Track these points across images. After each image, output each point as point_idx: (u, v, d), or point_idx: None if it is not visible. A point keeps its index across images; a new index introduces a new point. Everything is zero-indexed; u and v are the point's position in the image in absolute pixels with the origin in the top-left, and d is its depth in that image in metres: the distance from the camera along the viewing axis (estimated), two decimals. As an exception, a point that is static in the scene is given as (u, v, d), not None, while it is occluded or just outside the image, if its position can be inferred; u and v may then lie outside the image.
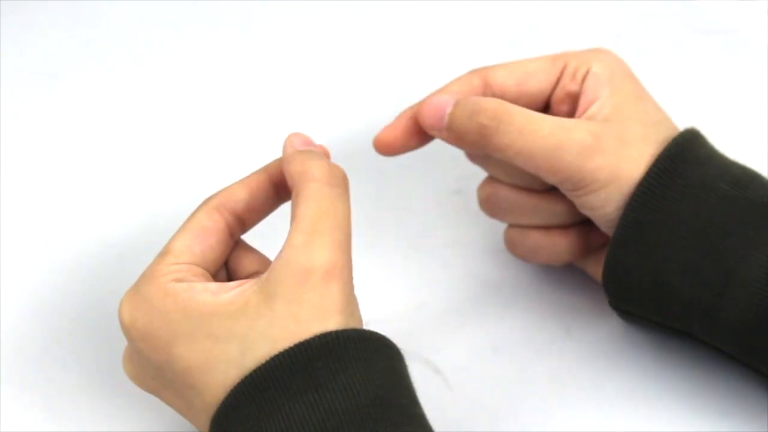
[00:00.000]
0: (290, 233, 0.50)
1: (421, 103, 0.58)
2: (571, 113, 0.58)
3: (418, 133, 0.59)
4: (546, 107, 0.60)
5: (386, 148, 0.59)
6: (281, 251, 0.50)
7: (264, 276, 0.50)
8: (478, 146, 0.56)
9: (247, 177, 0.54)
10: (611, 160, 0.55)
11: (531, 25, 0.77)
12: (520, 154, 0.55)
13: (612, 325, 0.60)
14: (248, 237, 0.55)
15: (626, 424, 0.57)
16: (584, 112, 0.57)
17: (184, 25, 0.77)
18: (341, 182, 0.52)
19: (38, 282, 0.63)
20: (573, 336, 0.61)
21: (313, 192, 0.51)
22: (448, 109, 0.57)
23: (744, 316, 0.53)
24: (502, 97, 0.59)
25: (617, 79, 0.57)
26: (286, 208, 0.55)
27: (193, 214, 0.53)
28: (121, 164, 0.69)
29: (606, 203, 0.55)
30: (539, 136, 0.55)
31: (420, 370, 0.58)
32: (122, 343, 0.53)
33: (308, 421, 0.47)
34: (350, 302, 0.50)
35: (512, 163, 0.57)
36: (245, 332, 0.49)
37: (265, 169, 0.54)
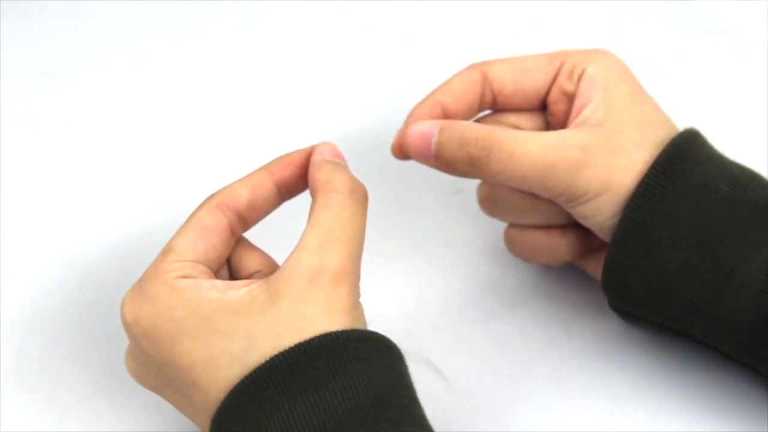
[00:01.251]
0: (303, 236, 0.50)
1: (404, 133, 0.57)
2: (567, 113, 0.58)
3: None
4: (544, 106, 0.60)
5: (403, 152, 0.58)
6: (292, 253, 0.50)
7: (273, 275, 0.50)
8: (469, 174, 0.56)
9: (249, 175, 0.54)
10: (601, 171, 0.55)
11: (531, 25, 0.77)
12: (512, 178, 0.55)
13: (612, 325, 0.60)
14: (251, 237, 0.55)
15: (626, 424, 0.57)
16: (578, 114, 0.57)
17: (184, 25, 0.77)
18: (361, 198, 0.52)
19: (38, 281, 0.63)
20: (573, 336, 0.61)
21: (332, 202, 0.51)
22: (434, 138, 0.56)
23: (743, 316, 0.53)
24: (500, 92, 0.59)
25: (612, 81, 0.57)
26: (289, 210, 0.55)
27: (194, 213, 0.53)
28: (122, 163, 0.69)
29: (598, 212, 0.55)
30: (529, 158, 0.55)
31: (420, 370, 0.58)
32: (123, 342, 0.53)
33: (308, 421, 0.47)
34: (356, 306, 0.50)
35: (505, 185, 0.57)
36: (250, 329, 0.49)
37: (266, 167, 0.55)
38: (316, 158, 0.54)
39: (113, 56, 0.75)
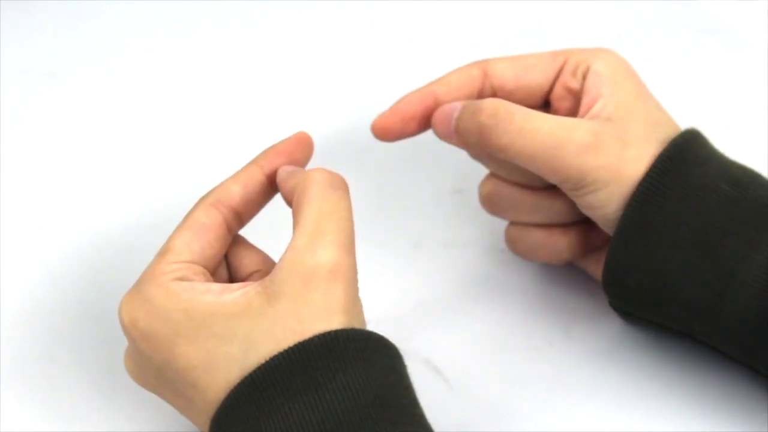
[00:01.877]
0: (293, 236, 0.50)
1: (433, 115, 0.59)
2: (572, 110, 0.58)
3: (415, 119, 0.59)
4: (546, 104, 0.60)
5: (384, 133, 0.59)
6: (284, 253, 0.50)
7: (267, 278, 0.50)
8: (479, 146, 0.56)
9: (239, 171, 0.55)
10: (612, 159, 0.54)
11: (531, 25, 0.77)
12: (520, 154, 0.55)
13: (612, 325, 0.60)
14: (249, 237, 0.55)
15: (626, 424, 0.57)
16: (587, 111, 0.57)
17: (182, 25, 0.77)
18: (341, 185, 0.52)
19: (38, 281, 0.63)
20: (573, 336, 0.61)
21: (314, 195, 0.51)
22: (456, 114, 0.57)
23: (744, 316, 0.53)
24: (501, 88, 0.59)
25: (619, 78, 0.57)
26: (289, 209, 0.55)
27: (190, 212, 0.53)
28: (121, 163, 0.69)
29: (606, 203, 0.55)
30: (539, 135, 0.54)
31: (420, 370, 0.58)
32: (122, 342, 0.53)
33: (308, 421, 0.47)
34: (354, 303, 0.50)
35: (513, 163, 0.57)
36: (248, 331, 0.49)
37: (255, 161, 0.55)
38: (281, 175, 0.54)
39: (113, 56, 0.75)
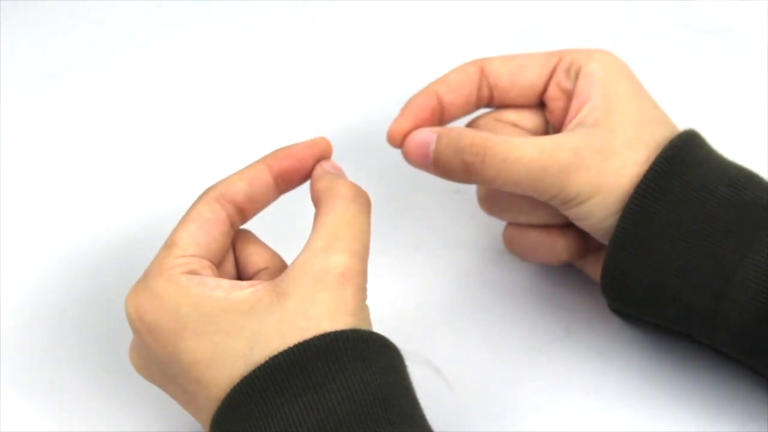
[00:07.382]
0: (310, 238, 0.51)
1: (406, 142, 0.57)
2: (566, 110, 0.58)
3: (426, 121, 0.59)
4: (542, 105, 0.60)
5: (402, 139, 0.58)
6: (300, 254, 0.50)
7: (279, 277, 0.50)
8: (466, 180, 0.57)
9: (246, 168, 0.55)
10: (592, 174, 0.55)
11: (531, 25, 0.77)
12: (507, 183, 0.56)
13: (612, 325, 0.60)
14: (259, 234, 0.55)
15: (626, 424, 0.57)
16: (576, 114, 0.57)
17: (183, 25, 0.77)
18: (364, 202, 0.53)
19: (39, 280, 0.63)
20: (573, 336, 0.61)
21: (337, 205, 0.52)
22: (432, 146, 0.57)
23: (742, 317, 0.53)
24: (496, 86, 0.59)
25: (612, 78, 0.57)
26: (295, 210, 0.55)
27: (193, 205, 0.53)
28: (121, 162, 0.69)
29: (590, 215, 0.56)
30: (522, 163, 0.55)
31: (420, 370, 0.58)
32: (123, 341, 0.53)
33: (307, 421, 0.47)
34: (362, 308, 0.51)
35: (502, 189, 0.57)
36: (255, 328, 0.49)
37: (263, 160, 0.55)
38: (317, 171, 0.54)
39: (113, 56, 0.75)
